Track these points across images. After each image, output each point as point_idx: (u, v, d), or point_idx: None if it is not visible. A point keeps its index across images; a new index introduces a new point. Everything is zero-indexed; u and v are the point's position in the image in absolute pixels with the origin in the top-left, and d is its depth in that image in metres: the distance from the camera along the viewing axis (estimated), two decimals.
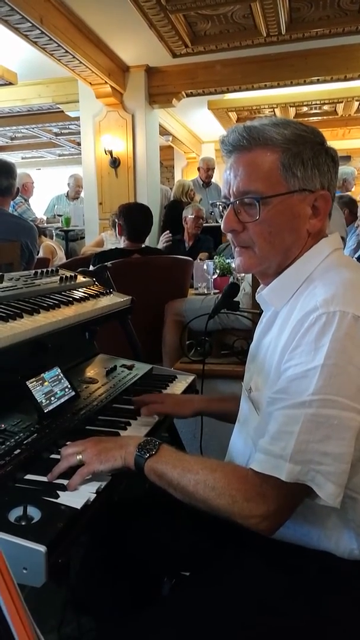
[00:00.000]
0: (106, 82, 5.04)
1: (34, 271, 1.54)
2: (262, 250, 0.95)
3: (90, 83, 5.05)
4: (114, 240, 5.15)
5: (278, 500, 0.82)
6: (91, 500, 0.90)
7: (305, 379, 0.81)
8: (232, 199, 0.95)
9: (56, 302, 1.30)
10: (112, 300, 1.58)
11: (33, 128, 7.28)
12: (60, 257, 5.02)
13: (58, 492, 0.91)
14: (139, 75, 5.41)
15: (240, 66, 5.08)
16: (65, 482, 0.94)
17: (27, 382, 1.20)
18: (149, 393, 1.43)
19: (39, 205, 6.91)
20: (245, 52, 4.73)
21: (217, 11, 3.88)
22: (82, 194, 6.78)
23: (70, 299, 1.39)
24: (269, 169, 0.91)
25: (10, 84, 5.25)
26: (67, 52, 4.16)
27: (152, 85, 5.49)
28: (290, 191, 0.91)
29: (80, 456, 0.97)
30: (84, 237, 6.32)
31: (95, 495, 0.91)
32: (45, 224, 5.92)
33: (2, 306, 1.16)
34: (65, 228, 5.88)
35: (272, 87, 5.39)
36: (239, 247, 0.98)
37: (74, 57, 4.28)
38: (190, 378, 1.64)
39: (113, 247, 4.83)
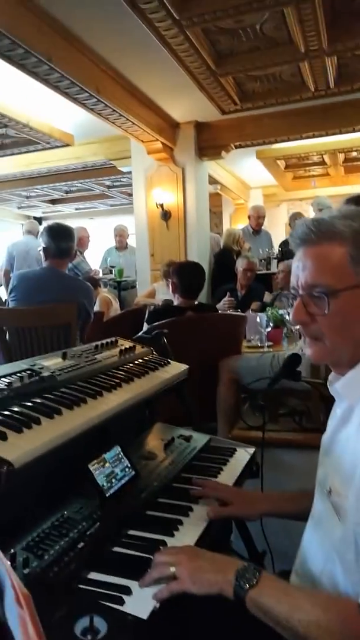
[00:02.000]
0: (157, 139, 5.23)
1: (94, 345, 1.56)
2: (332, 342, 0.92)
3: (142, 140, 5.27)
4: (165, 291, 5.23)
5: None
6: (157, 607, 0.86)
7: None
8: (300, 292, 0.94)
9: (118, 381, 1.31)
10: (171, 371, 1.57)
11: (87, 182, 7.62)
12: (115, 308, 5.13)
13: (123, 597, 0.88)
14: (189, 131, 5.60)
15: (288, 118, 5.15)
16: (129, 583, 0.91)
17: (90, 466, 1.19)
18: (208, 471, 1.40)
19: (92, 254, 7.16)
20: (293, 105, 4.81)
21: (265, 72, 3.98)
22: (128, 244, 7.01)
23: (131, 376, 1.39)
24: (338, 262, 0.89)
25: (68, 145, 5.54)
26: (121, 115, 4.37)
27: (202, 139, 5.65)
28: None
29: (174, 569, 0.92)
30: (134, 287, 6.47)
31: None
32: (101, 275, 6.10)
33: (67, 390, 1.18)
34: (118, 279, 6.03)
35: (320, 136, 5.44)
36: (308, 338, 0.95)
37: (127, 119, 4.49)
38: (251, 451, 1.59)
39: (165, 299, 4.94)
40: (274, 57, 3.69)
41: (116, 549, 1.05)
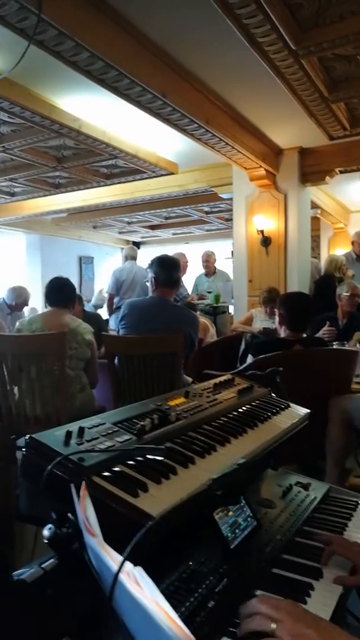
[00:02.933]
0: (260, 166, 5.22)
1: (213, 383, 1.53)
2: None
3: (245, 167, 5.29)
4: (263, 317, 5.14)
5: None
6: None
7: None
8: None
9: (242, 427, 1.27)
10: (293, 416, 1.50)
11: (186, 208, 7.78)
12: (212, 334, 5.13)
13: None
14: (292, 157, 5.54)
15: None
16: None
17: (215, 515, 1.15)
18: (333, 526, 1.31)
19: (187, 278, 7.26)
20: None
21: None
22: (217, 269, 7.02)
23: (255, 421, 1.34)
24: None
25: (172, 173, 5.70)
26: (227, 144, 4.42)
27: (305, 165, 5.56)
28: None
29: (275, 625, 0.84)
30: (224, 312, 6.45)
31: None
32: (196, 301, 6.15)
33: (195, 435, 1.15)
34: (215, 304, 6.04)
35: None
36: None
37: (232, 147, 4.53)
38: None
39: (264, 327, 4.85)
40: None
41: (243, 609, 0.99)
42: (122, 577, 0.55)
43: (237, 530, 1.18)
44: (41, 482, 0.76)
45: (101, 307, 8.92)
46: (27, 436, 0.92)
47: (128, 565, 0.58)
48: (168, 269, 2.90)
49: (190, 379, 3.01)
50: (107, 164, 5.41)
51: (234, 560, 1.11)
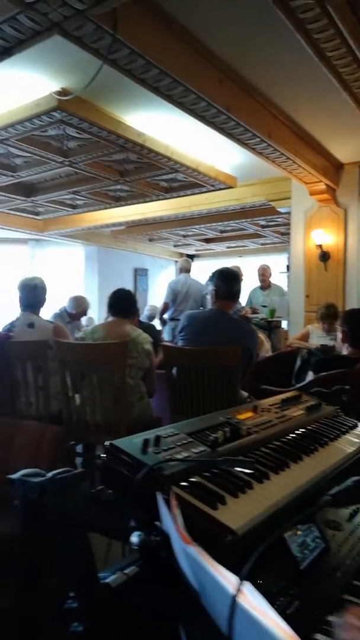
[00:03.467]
0: (320, 181, 5.16)
1: (280, 399, 1.51)
2: None
3: (305, 182, 5.23)
4: (320, 334, 5.04)
5: None
6: None
7: None
8: None
9: (314, 446, 1.24)
10: None
11: (242, 222, 7.77)
12: (267, 349, 5.07)
13: None
14: (353, 172, 5.43)
15: None
16: None
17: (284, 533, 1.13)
18: None
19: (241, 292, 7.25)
20: None
21: None
22: (272, 283, 6.95)
23: (325, 439, 1.31)
24: None
25: (230, 187, 5.72)
26: (288, 158, 4.40)
27: None
28: None
29: None
30: (278, 326, 6.36)
31: None
32: (250, 315, 6.11)
33: (267, 450, 1.14)
34: (270, 319, 5.98)
35: None
36: None
37: (293, 162, 4.50)
38: None
39: (322, 343, 4.75)
40: None
41: (318, 636, 0.96)
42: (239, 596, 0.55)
43: (305, 551, 1.15)
44: (131, 489, 0.77)
45: (154, 318, 9.03)
46: (107, 442, 0.94)
47: (236, 579, 0.58)
48: (228, 282, 2.90)
49: (245, 394, 2.98)
50: (168, 177, 5.50)
51: (304, 582, 1.08)
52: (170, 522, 0.64)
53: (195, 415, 1.36)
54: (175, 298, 6.64)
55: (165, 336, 6.81)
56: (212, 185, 5.64)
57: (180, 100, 3.26)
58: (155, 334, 5.52)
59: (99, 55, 2.69)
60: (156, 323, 7.15)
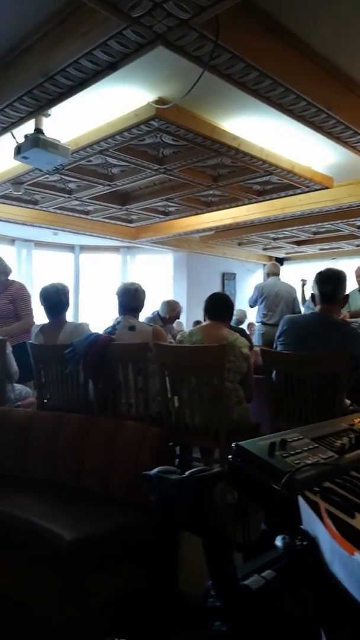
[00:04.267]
0: None
1: None
2: None
3: None
4: None
5: None
6: None
7: None
8: None
9: None
10: None
11: (338, 223, 7.49)
12: None
13: None
14: None
15: None
16: None
17: None
18: None
19: None
20: None
21: None
22: None
23: None
24: None
25: (327, 187, 5.54)
26: None
27: None
28: None
29: None
30: None
31: None
32: (349, 319, 5.85)
33: None
34: None
35: None
36: None
37: None
38: None
39: None
40: None
41: None
42: None
43: None
44: (276, 495, 0.75)
45: (242, 322, 8.97)
46: (234, 444, 0.94)
47: None
48: (330, 284, 2.80)
49: (348, 402, 2.86)
50: (261, 180, 5.44)
51: None
52: (321, 528, 0.62)
53: (297, 423, 1.31)
54: (262, 299, 6.61)
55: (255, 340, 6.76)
56: (307, 187, 5.49)
57: (278, 101, 3.21)
58: (246, 337, 5.48)
59: (200, 62, 2.72)
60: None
